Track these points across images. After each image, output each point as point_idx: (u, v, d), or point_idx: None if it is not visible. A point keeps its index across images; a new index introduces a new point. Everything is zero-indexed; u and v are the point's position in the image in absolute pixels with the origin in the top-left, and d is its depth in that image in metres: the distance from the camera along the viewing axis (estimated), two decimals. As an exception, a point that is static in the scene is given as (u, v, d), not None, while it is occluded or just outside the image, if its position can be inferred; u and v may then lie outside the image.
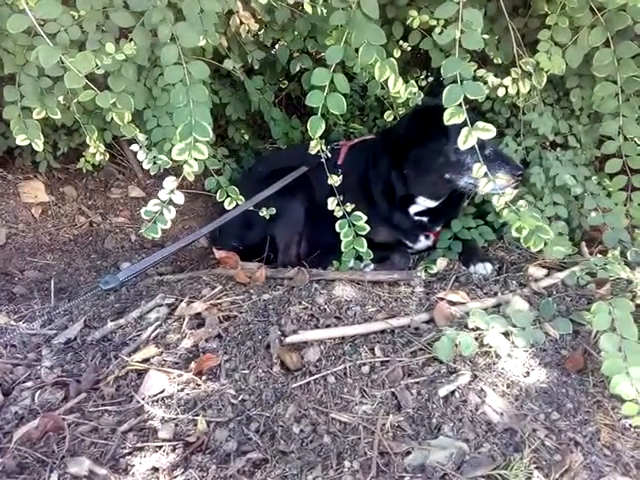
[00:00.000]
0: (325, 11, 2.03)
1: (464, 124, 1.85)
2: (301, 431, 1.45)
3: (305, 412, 1.50)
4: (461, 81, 1.83)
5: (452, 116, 1.85)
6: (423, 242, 2.53)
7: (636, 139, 2.29)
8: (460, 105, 1.83)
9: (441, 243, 2.47)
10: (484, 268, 2.25)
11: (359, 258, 2.30)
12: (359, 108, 3.19)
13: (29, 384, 1.63)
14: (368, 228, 2.26)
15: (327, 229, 2.34)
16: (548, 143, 2.52)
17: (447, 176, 2.24)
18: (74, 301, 1.95)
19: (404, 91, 2.08)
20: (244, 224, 2.54)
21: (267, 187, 2.41)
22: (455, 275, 2.19)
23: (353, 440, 1.43)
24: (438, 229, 2.50)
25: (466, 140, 1.87)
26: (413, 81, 2.14)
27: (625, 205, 2.37)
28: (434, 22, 2.08)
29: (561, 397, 1.56)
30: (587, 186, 2.36)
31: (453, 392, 1.57)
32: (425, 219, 2.46)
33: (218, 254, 2.27)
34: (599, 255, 2.21)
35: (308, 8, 2.05)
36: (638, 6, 1.93)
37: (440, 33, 2.01)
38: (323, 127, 2.00)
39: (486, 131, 1.88)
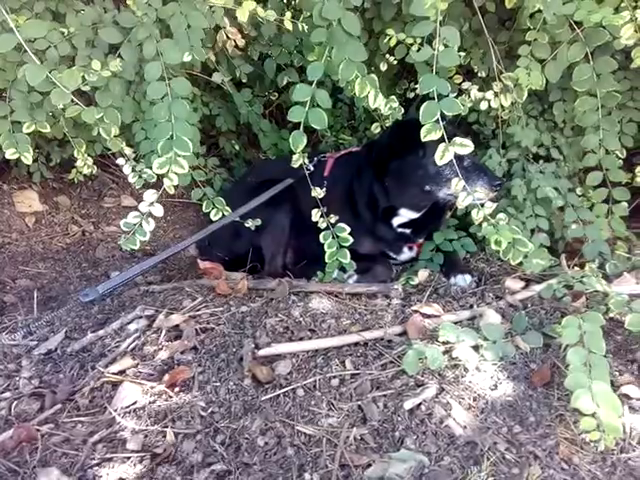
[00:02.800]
0: (307, 28, 2.07)
1: (441, 140, 1.88)
2: (265, 443, 1.48)
3: (272, 425, 1.53)
4: (438, 97, 1.86)
5: (429, 132, 1.89)
6: (406, 253, 2.56)
7: (617, 152, 2.31)
8: (437, 121, 1.87)
9: (423, 255, 2.49)
10: (464, 280, 2.28)
11: (343, 269, 2.33)
12: (349, 119, 3.22)
13: (7, 395, 1.67)
14: (352, 239, 2.28)
15: (313, 240, 2.37)
16: (531, 155, 2.54)
17: (427, 188, 2.27)
18: (56, 312, 2.00)
19: (384, 106, 2.11)
20: (231, 234, 2.58)
21: (255, 197, 2.45)
22: (434, 287, 2.23)
23: (316, 452, 1.46)
24: (421, 241, 2.53)
25: (443, 155, 1.90)
26: (394, 96, 2.16)
27: (607, 218, 2.39)
28: (411, 40, 2.10)
29: (525, 410, 1.58)
30: (569, 198, 2.37)
31: (419, 405, 1.59)
32: (408, 231, 2.49)
33: (202, 265, 2.30)
34: (578, 267, 2.23)
35: (288, 25, 2.09)
36: (614, 24, 1.95)
37: (418, 50, 2.04)
38: (305, 141, 2.04)
39: (463, 147, 1.91)
